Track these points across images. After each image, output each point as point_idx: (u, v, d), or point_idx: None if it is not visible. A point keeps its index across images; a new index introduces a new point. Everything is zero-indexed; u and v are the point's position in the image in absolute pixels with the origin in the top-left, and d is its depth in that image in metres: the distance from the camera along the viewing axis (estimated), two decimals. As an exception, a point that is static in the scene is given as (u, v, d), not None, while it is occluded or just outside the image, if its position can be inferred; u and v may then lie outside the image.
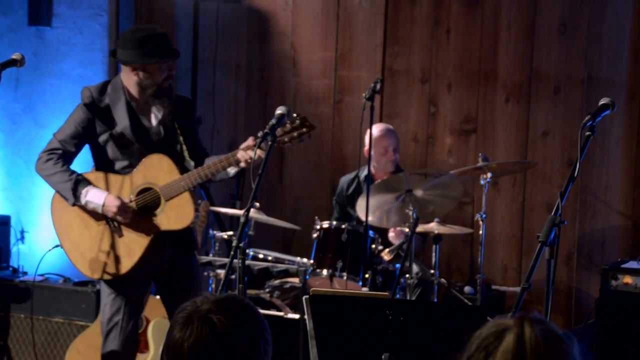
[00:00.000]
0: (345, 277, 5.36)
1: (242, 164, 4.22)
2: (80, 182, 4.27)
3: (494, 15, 6.13)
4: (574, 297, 5.99)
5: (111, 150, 4.31)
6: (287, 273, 5.34)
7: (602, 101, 3.51)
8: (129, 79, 4.29)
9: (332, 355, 3.09)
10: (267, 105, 6.58)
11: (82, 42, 6.43)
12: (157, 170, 4.30)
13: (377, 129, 5.72)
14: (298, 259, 5.55)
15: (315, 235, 5.52)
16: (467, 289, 5.94)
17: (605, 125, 5.69)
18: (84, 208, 4.31)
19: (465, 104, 6.18)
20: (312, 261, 5.47)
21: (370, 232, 5.38)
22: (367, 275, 5.36)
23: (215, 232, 5.65)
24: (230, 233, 5.56)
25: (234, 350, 1.94)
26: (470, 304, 5.64)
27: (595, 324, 5.03)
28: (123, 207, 4.23)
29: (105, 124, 4.30)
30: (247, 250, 5.41)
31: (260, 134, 3.73)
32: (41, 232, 6.40)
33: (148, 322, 4.94)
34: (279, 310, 5.10)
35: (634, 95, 5.80)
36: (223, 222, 6.19)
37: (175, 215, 4.28)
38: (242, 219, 3.64)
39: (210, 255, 5.55)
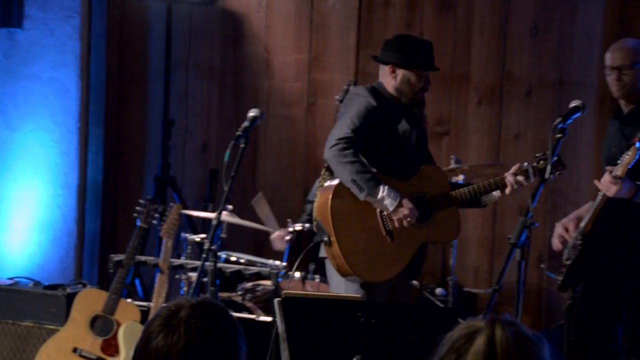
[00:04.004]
0: (317, 280, 5.36)
1: (508, 190, 4.20)
2: (377, 176, 4.13)
3: (466, 19, 6.15)
4: (545, 298, 6.03)
5: (384, 153, 4.25)
6: (259, 276, 5.33)
7: (573, 103, 3.54)
8: (389, 82, 4.32)
9: (304, 357, 3.09)
10: (240, 108, 6.56)
11: (54, 44, 6.38)
12: (432, 181, 4.30)
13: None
14: (270, 261, 5.54)
15: (287, 237, 5.51)
16: (438, 291, 5.95)
17: (576, 127, 5.73)
18: (361, 205, 4.17)
19: (438, 107, 6.20)
20: (284, 264, 5.47)
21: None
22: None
23: (187, 235, 5.63)
24: (203, 236, 5.54)
25: (216, 354, 1.94)
26: (441, 306, 5.65)
27: (565, 325, 5.07)
28: (414, 212, 4.14)
29: (386, 126, 4.25)
30: (219, 253, 5.38)
31: (526, 164, 3.71)
32: (10, 235, 6.34)
33: (119, 325, 4.92)
34: (251, 312, 5.08)
35: (605, 98, 5.84)
36: (195, 224, 6.17)
37: (444, 228, 4.29)
38: (214, 222, 3.64)
39: (182, 258, 5.53)
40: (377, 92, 4.30)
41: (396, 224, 4.17)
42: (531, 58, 6.02)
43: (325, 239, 4.14)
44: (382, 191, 4.09)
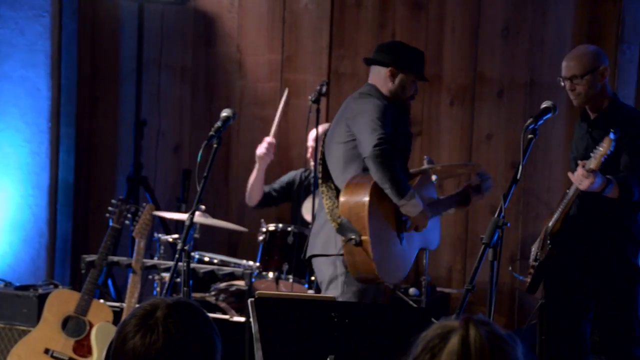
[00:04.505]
0: (291, 280, 5.37)
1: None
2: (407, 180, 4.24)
3: (438, 20, 6.18)
4: (517, 298, 6.06)
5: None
6: (232, 276, 5.33)
7: (544, 104, 3.57)
8: (384, 84, 4.35)
9: (277, 357, 3.09)
10: (212, 108, 6.54)
11: (24, 43, 6.33)
12: (425, 187, 4.42)
13: (322, 128, 5.73)
14: (244, 261, 5.54)
15: (261, 238, 5.51)
16: (412, 290, 5.97)
17: (548, 128, 5.77)
18: (385, 207, 4.20)
19: (411, 107, 6.21)
20: (258, 264, 5.46)
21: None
22: (313, 278, 5.36)
23: (160, 235, 5.62)
24: (176, 236, 5.52)
25: (194, 353, 1.94)
26: (415, 305, 5.67)
27: (538, 325, 5.11)
28: (428, 218, 4.28)
29: (395, 128, 4.28)
30: (193, 253, 5.38)
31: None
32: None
33: (91, 326, 4.89)
34: (225, 313, 5.08)
35: (575, 99, 5.89)
36: (168, 225, 6.15)
37: (433, 234, 4.47)
38: (187, 222, 3.63)
39: (155, 258, 5.51)
40: (380, 93, 4.31)
41: (411, 229, 4.26)
42: (503, 59, 6.06)
43: (353, 237, 4.11)
44: (413, 196, 4.16)
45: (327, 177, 4.32)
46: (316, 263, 4.37)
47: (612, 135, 3.97)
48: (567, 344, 4.26)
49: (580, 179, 3.93)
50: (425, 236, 4.45)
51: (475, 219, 6.11)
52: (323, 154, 4.40)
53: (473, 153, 6.14)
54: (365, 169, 4.23)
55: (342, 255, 4.23)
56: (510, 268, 5.37)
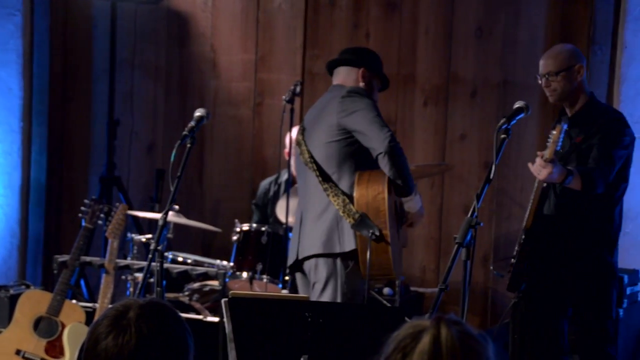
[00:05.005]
0: (265, 280, 5.36)
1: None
2: None
3: (412, 20, 6.20)
4: (490, 297, 6.09)
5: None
6: (206, 276, 5.31)
7: (517, 104, 3.58)
8: (354, 85, 4.36)
9: (251, 357, 3.08)
10: (186, 108, 6.52)
11: (-4, 42, 6.29)
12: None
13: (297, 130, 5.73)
14: (218, 261, 5.53)
15: (235, 237, 5.50)
16: (386, 290, 5.98)
17: (520, 128, 5.80)
18: (391, 202, 4.24)
19: (384, 107, 6.21)
20: (231, 264, 5.45)
21: (291, 234, 5.37)
22: (287, 278, 5.36)
23: (133, 235, 5.59)
24: (149, 236, 5.50)
25: (167, 354, 1.93)
26: (389, 305, 5.68)
27: (510, 324, 5.13)
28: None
29: None
30: (166, 253, 5.36)
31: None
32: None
33: (64, 327, 4.86)
34: (198, 313, 5.06)
35: (547, 99, 5.92)
36: (141, 225, 6.13)
37: (405, 233, 4.51)
38: (160, 222, 3.62)
39: (129, 258, 5.48)
40: (365, 91, 4.35)
41: (409, 224, 4.36)
42: (476, 59, 6.08)
43: (372, 231, 4.11)
44: (417, 192, 4.30)
45: (326, 176, 4.30)
46: (313, 263, 4.33)
47: (563, 125, 4.01)
48: (545, 341, 4.27)
49: (539, 169, 3.97)
50: (403, 233, 4.50)
51: (448, 218, 6.13)
52: (310, 154, 4.35)
53: (447, 153, 6.16)
54: (359, 166, 4.24)
55: (345, 254, 4.23)
56: (492, 267, 5.39)
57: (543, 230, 4.21)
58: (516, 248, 4.34)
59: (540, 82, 4.27)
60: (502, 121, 3.44)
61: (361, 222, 4.12)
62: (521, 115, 3.55)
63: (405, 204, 4.30)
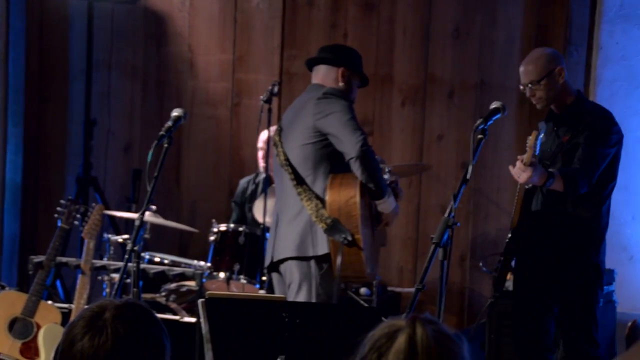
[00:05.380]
0: (242, 280, 5.35)
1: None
2: None
3: (389, 20, 6.21)
4: (467, 297, 6.11)
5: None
6: (183, 276, 5.29)
7: (494, 105, 3.60)
8: (333, 84, 4.35)
9: (228, 358, 3.08)
10: (164, 108, 6.50)
11: (-29, 41, 6.25)
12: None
13: (274, 129, 5.73)
14: (195, 262, 5.51)
15: (212, 238, 5.49)
16: (363, 290, 5.98)
17: (497, 128, 5.82)
18: (366, 205, 4.24)
19: (362, 107, 6.23)
20: (209, 264, 5.44)
21: (268, 235, 5.37)
22: (264, 278, 5.35)
23: (109, 235, 5.57)
24: (126, 237, 5.48)
25: (143, 355, 1.93)
26: (366, 305, 5.69)
27: (487, 323, 5.14)
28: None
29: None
30: (143, 254, 5.34)
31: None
32: None
33: (39, 328, 4.83)
34: (175, 314, 5.05)
35: (524, 100, 5.94)
36: (118, 225, 6.10)
37: (381, 234, 4.56)
38: (137, 222, 3.60)
39: (105, 259, 5.46)
40: (341, 93, 4.33)
41: (381, 225, 4.35)
42: (453, 60, 6.10)
43: (345, 236, 4.11)
44: (390, 193, 4.27)
45: (300, 179, 4.29)
46: (287, 265, 4.33)
47: (541, 130, 4.03)
48: (531, 340, 4.27)
49: (518, 172, 3.99)
50: (378, 234, 4.51)
51: (425, 218, 6.15)
52: (286, 155, 4.35)
53: (424, 153, 6.17)
54: (334, 169, 4.24)
55: (319, 257, 4.23)
56: (481, 263, 5.40)
57: (531, 228, 4.20)
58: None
59: (524, 91, 4.26)
60: (479, 122, 3.45)
61: (333, 227, 4.13)
62: (498, 116, 3.56)
63: (379, 206, 4.30)
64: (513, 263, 4.32)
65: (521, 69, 4.27)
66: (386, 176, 5.22)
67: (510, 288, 5.12)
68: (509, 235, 4.20)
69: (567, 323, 4.23)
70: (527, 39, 5.92)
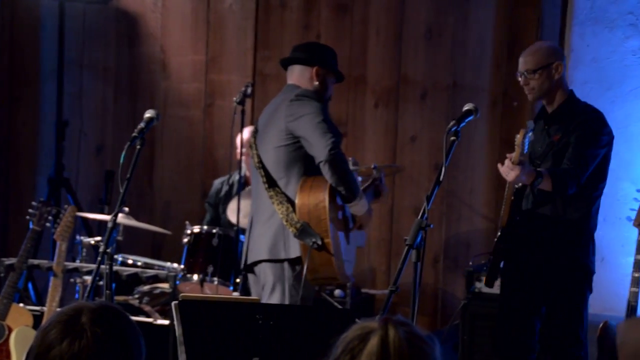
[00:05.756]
0: (216, 282, 5.34)
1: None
2: None
3: (362, 22, 6.22)
4: (440, 298, 6.13)
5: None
6: (156, 278, 5.28)
7: (466, 107, 3.60)
8: (308, 84, 4.35)
9: (201, 361, 3.07)
10: (136, 109, 6.48)
11: (-59, 41, 6.19)
12: None
13: (247, 131, 5.72)
14: (168, 264, 5.49)
15: (185, 240, 5.47)
16: (337, 292, 5.99)
17: (470, 130, 5.85)
18: (335, 208, 4.23)
19: (336, 109, 6.24)
20: (182, 266, 5.42)
21: (242, 237, 5.36)
22: (238, 280, 5.35)
23: (82, 237, 5.53)
24: (98, 238, 5.45)
25: (122, 357, 1.93)
26: (340, 307, 5.69)
27: (460, 325, 5.16)
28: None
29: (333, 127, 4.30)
30: (116, 256, 5.31)
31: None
32: None
33: (10, 330, 4.80)
34: (148, 316, 5.02)
35: (497, 101, 5.99)
36: (91, 227, 6.07)
37: (362, 233, 4.58)
38: (109, 224, 3.58)
39: (77, 261, 5.43)
40: (314, 94, 4.32)
41: (354, 228, 4.34)
42: (426, 61, 6.12)
43: (314, 240, 4.12)
44: (362, 196, 4.26)
45: (272, 182, 4.30)
46: (261, 267, 4.33)
47: (528, 129, 4.05)
48: (516, 339, 4.28)
49: (507, 171, 3.99)
50: (357, 235, 4.51)
51: (399, 220, 6.16)
52: (260, 158, 4.35)
53: (397, 154, 6.19)
54: (307, 171, 4.24)
55: (292, 259, 4.23)
56: (471, 262, 5.41)
57: (521, 227, 4.21)
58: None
59: (519, 79, 4.27)
60: (451, 123, 3.45)
61: (303, 231, 4.14)
62: (470, 118, 3.57)
63: (350, 209, 4.30)
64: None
65: (521, 58, 4.29)
66: (362, 174, 5.26)
67: (484, 289, 5.16)
68: (499, 234, 4.21)
69: (554, 323, 4.24)
70: (498, 40, 5.96)
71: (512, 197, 4.18)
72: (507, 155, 4.03)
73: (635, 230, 4.30)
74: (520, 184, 4.15)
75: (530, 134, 4.07)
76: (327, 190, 4.16)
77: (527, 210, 4.22)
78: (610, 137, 4.23)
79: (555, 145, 4.19)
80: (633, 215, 4.31)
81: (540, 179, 4.00)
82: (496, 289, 5.13)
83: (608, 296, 4.26)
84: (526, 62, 4.23)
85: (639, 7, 5.42)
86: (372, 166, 4.80)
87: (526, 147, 4.01)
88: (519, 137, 3.99)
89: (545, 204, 4.20)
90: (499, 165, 4.05)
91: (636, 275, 4.21)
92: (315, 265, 4.17)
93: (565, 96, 4.26)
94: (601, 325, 4.38)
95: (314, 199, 4.17)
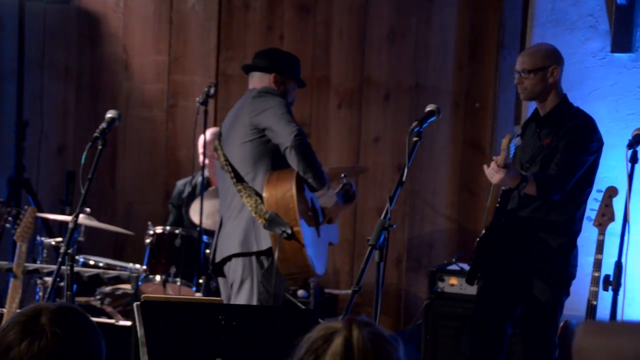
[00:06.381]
0: (178, 283, 5.32)
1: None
2: None
3: (325, 23, 6.22)
4: (404, 299, 6.15)
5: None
6: (118, 279, 5.24)
7: (428, 108, 3.62)
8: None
9: (164, 362, 3.05)
10: (98, 109, 6.43)
11: None
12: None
13: (209, 133, 5.70)
14: (130, 265, 5.46)
15: (148, 240, 5.45)
16: (300, 292, 5.99)
17: (433, 131, 5.88)
18: (304, 199, 4.23)
19: (299, 110, 6.24)
20: (144, 267, 5.40)
21: (205, 237, 5.35)
22: (200, 281, 5.33)
23: (43, 238, 5.49)
24: (59, 239, 5.40)
25: (82, 358, 1.92)
26: (303, 307, 5.70)
27: (423, 325, 5.19)
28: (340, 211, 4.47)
29: None
30: (77, 257, 5.28)
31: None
32: None
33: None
34: (110, 317, 4.99)
35: (459, 103, 6.02)
36: (52, 228, 6.02)
37: (335, 230, 4.61)
38: (70, 225, 3.56)
39: (38, 262, 5.38)
40: (277, 91, 4.37)
41: (325, 221, 4.36)
42: (389, 63, 6.14)
43: (284, 229, 4.13)
44: (329, 186, 4.29)
45: (239, 177, 4.32)
46: (231, 264, 4.34)
47: (515, 133, 4.07)
48: (488, 344, 4.28)
49: (492, 173, 4.01)
50: (330, 231, 4.52)
51: (362, 221, 6.18)
52: (226, 157, 4.37)
53: (361, 155, 6.20)
54: (274, 165, 4.26)
55: (260, 253, 4.23)
56: (454, 259, 5.42)
57: (505, 228, 4.21)
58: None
59: (514, 77, 4.29)
60: (414, 124, 3.47)
61: (272, 221, 4.16)
62: (433, 119, 3.59)
63: (319, 200, 4.32)
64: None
65: (519, 57, 4.31)
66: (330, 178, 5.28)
67: (446, 289, 5.19)
68: (482, 232, 4.23)
69: (528, 325, 4.25)
70: (461, 42, 5.99)
71: (499, 199, 4.21)
72: (493, 157, 4.05)
73: (595, 230, 4.34)
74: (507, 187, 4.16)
75: (517, 139, 4.09)
76: (294, 180, 4.19)
77: (511, 212, 4.24)
78: (600, 144, 4.24)
79: (544, 149, 4.20)
80: (593, 215, 4.35)
81: (525, 183, 4.02)
82: (458, 289, 5.17)
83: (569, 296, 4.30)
84: (523, 62, 4.25)
85: (599, 10, 5.48)
86: (342, 175, 4.83)
87: (512, 151, 4.04)
88: (504, 142, 4.01)
89: (530, 207, 4.22)
90: (485, 167, 4.07)
91: (596, 274, 4.25)
92: (286, 256, 4.18)
93: (558, 100, 4.27)
94: (562, 324, 4.42)
95: (281, 189, 4.20)
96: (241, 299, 4.25)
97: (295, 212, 4.16)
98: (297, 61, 4.54)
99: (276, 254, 4.17)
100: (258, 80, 4.42)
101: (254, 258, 4.26)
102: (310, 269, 4.25)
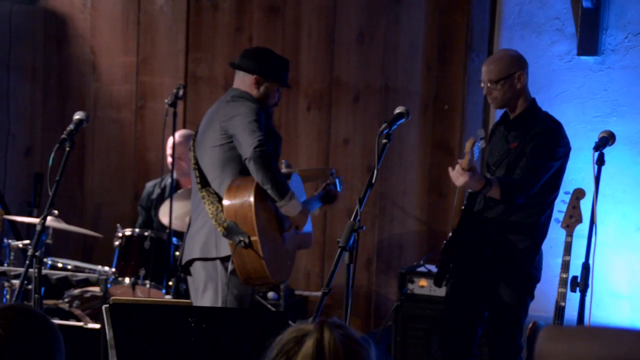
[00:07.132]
0: (148, 285, 5.29)
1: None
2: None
3: (294, 24, 6.22)
4: (374, 300, 6.17)
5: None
6: (87, 282, 5.20)
7: (398, 110, 3.63)
8: (250, 91, 4.36)
9: (133, 365, 3.04)
10: (65, 111, 6.39)
11: None
12: (298, 188, 4.54)
13: (178, 135, 5.68)
14: (99, 267, 5.43)
15: (117, 243, 5.42)
16: (270, 294, 5.99)
17: (402, 133, 5.90)
18: (267, 207, 4.22)
19: (273, 113, 6.24)
20: (113, 269, 5.37)
21: (174, 239, 5.33)
22: (170, 283, 5.31)
23: (10, 241, 5.44)
24: (27, 242, 5.36)
25: (28, 358, 1.88)
26: (273, 309, 5.69)
27: (393, 326, 5.20)
28: (307, 218, 4.45)
29: (266, 132, 4.26)
30: (45, 259, 5.23)
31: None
32: None
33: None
34: (79, 320, 4.96)
35: (428, 104, 6.04)
36: (19, 230, 5.97)
37: (306, 235, 4.59)
38: (38, 227, 3.53)
39: (5, 265, 5.33)
40: (251, 97, 4.35)
41: (291, 229, 4.36)
42: (358, 64, 6.15)
43: (241, 239, 4.13)
44: (292, 196, 4.25)
45: (205, 182, 4.33)
46: (195, 267, 4.35)
47: (478, 138, 4.09)
48: (459, 346, 4.30)
49: (456, 176, 4.03)
50: (301, 236, 4.52)
51: (332, 222, 6.18)
52: (196, 159, 4.37)
53: (330, 157, 6.21)
54: (242, 171, 4.25)
55: (223, 258, 4.23)
56: (422, 261, 5.43)
57: (470, 231, 4.23)
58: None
59: (482, 87, 4.30)
60: (383, 126, 3.48)
61: (230, 230, 4.17)
62: (402, 120, 3.60)
63: (281, 209, 4.32)
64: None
65: (484, 66, 4.32)
66: (312, 176, 5.30)
67: (416, 291, 5.21)
68: (449, 235, 4.24)
69: (495, 327, 4.28)
70: (429, 44, 6.02)
71: (465, 201, 4.23)
72: (458, 160, 4.07)
73: (563, 231, 4.38)
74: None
75: (480, 142, 4.11)
76: (254, 189, 4.19)
77: (477, 214, 4.26)
78: (567, 149, 4.26)
79: (511, 153, 4.22)
80: (561, 217, 4.39)
81: (489, 187, 4.04)
82: (428, 291, 5.19)
83: (537, 297, 4.33)
84: (489, 72, 4.26)
85: (565, 13, 5.53)
86: (331, 172, 4.85)
87: (476, 155, 4.05)
88: (467, 145, 4.03)
89: (495, 209, 4.24)
90: (450, 170, 4.08)
91: (564, 276, 4.28)
92: (244, 264, 4.19)
93: (526, 104, 4.29)
94: (530, 325, 4.45)
95: (240, 198, 4.21)
96: (205, 301, 4.26)
97: (252, 221, 4.17)
98: (285, 63, 4.52)
99: (231, 263, 4.18)
100: (240, 81, 4.44)
101: (218, 262, 4.27)
102: (269, 279, 4.26)
